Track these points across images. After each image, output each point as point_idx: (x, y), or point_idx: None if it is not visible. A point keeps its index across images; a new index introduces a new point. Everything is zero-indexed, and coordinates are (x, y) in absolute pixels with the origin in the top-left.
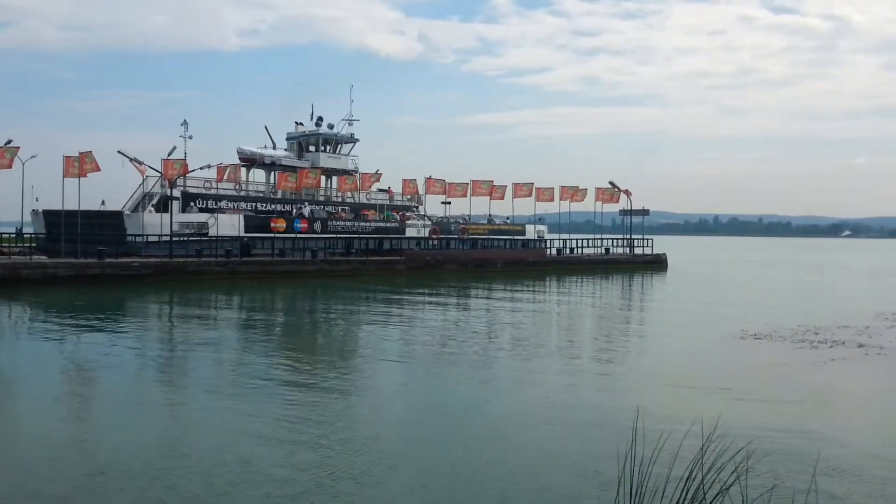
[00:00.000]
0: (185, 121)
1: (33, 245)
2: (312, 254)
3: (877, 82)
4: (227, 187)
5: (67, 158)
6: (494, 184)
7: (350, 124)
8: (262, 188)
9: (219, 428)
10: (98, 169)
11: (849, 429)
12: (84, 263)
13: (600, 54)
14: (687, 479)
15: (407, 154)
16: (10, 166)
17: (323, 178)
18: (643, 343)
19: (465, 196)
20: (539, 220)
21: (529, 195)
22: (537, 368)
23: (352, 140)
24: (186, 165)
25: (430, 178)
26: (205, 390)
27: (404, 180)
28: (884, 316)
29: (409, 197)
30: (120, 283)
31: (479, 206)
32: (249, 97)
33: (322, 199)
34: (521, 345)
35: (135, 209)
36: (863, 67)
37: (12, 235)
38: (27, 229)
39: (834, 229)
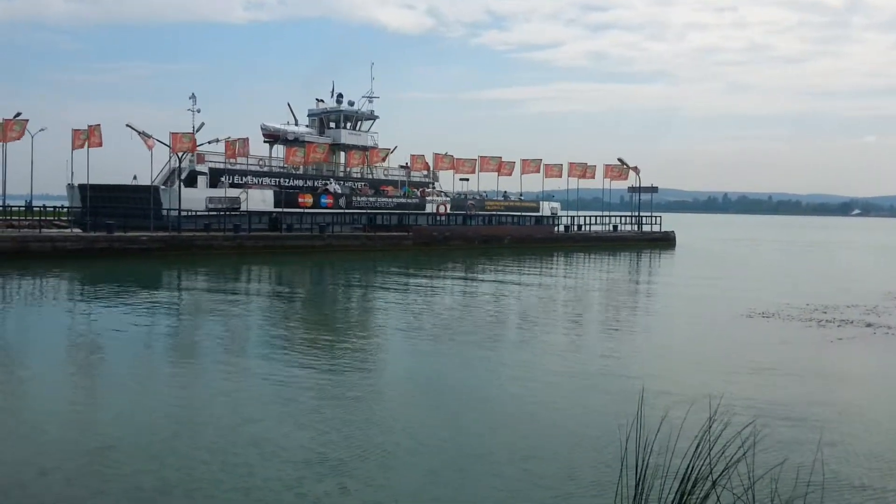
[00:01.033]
0: (192, 94)
1: (71, 218)
2: (320, 228)
3: (889, 60)
4: (251, 163)
5: (75, 131)
6: (503, 160)
7: (370, 101)
8: (283, 164)
9: (227, 405)
10: (100, 144)
11: (855, 407)
12: (93, 237)
13: (610, 30)
14: (693, 454)
15: (414, 129)
16: (19, 138)
17: (342, 154)
18: (650, 320)
19: (473, 172)
20: (551, 196)
21: (538, 171)
22: (543, 347)
23: (372, 117)
24: (195, 140)
25: (442, 154)
26: (212, 366)
27: (412, 156)
28: (893, 295)
29: (424, 173)
30: (128, 256)
31: (486, 183)
32: (256, 70)
33: (341, 174)
34: (527, 323)
35: (164, 184)
36: (875, 45)
37: (21, 208)
38: (62, 203)
39: (844, 208)
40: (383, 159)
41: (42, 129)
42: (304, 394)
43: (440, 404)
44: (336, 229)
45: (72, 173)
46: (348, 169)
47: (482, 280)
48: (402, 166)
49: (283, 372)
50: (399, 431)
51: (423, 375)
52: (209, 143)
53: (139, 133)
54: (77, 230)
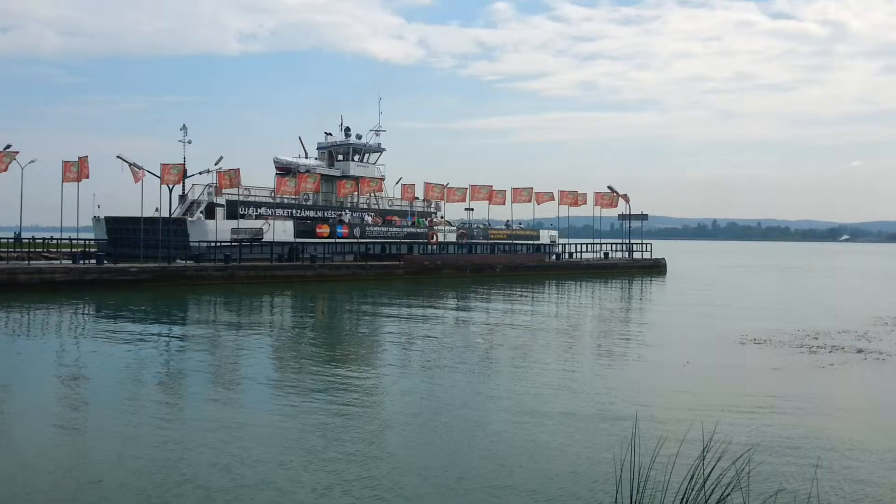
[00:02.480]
0: (184, 125)
1: (93, 249)
2: (311, 259)
3: (873, 87)
4: (264, 195)
5: (66, 163)
6: (493, 188)
7: (377, 134)
8: (294, 196)
9: (215, 438)
10: (87, 176)
11: (849, 435)
12: (83, 268)
13: (599, 59)
14: (687, 485)
15: (404, 158)
16: (5, 170)
17: (356, 185)
18: (642, 349)
19: (464, 200)
20: (541, 224)
21: (529, 200)
22: (535, 374)
23: (379, 150)
24: (184, 171)
25: (433, 183)
26: (202, 402)
27: (403, 185)
28: (883, 321)
29: (427, 203)
30: (118, 288)
31: (479, 211)
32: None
33: (349, 205)
34: (519, 352)
35: (183, 215)
36: (860, 72)
37: (10, 241)
38: (89, 235)
39: (832, 233)
40: (377, 189)
41: (32, 161)
42: (297, 428)
43: (437, 438)
44: (348, 258)
45: (97, 206)
46: (355, 199)
47: (474, 310)
48: (416, 198)
49: (274, 406)
50: (392, 463)
51: (418, 409)
52: (200, 173)
53: (129, 164)
54: (67, 261)
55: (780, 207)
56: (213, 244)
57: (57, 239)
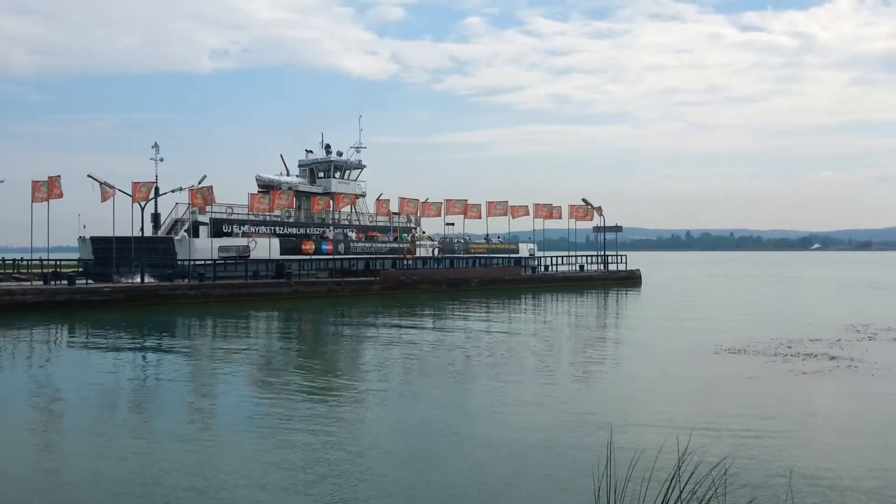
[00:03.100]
0: (155, 143)
1: (78, 270)
2: (287, 276)
3: (843, 98)
4: (243, 213)
5: (35, 183)
6: (468, 202)
7: (358, 151)
8: (277, 213)
9: (192, 460)
10: (61, 195)
11: (823, 443)
12: (54, 289)
13: (572, 73)
14: (664, 498)
15: (379, 173)
16: None
17: (330, 201)
18: (617, 361)
19: (440, 215)
20: (517, 238)
21: (504, 214)
22: (512, 389)
23: (360, 166)
24: (157, 188)
25: (408, 198)
26: (176, 420)
27: (378, 200)
28: (855, 328)
29: (407, 218)
30: (90, 308)
31: (470, 226)
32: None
33: (331, 222)
34: (496, 367)
35: (167, 234)
36: (829, 83)
37: None
38: (75, 255)
39: (804, 242)
40: (353, 202)
41: (2, 181)
42: (275, 449)
43: (418, 457)
44: (322, 275)
45: (83, 226)
46: (336, 216)
47: (450, 327)
48: (395, 213)
49: (251, 427)
50: (374, 483)
51: (397, 428)
52: (172, 191)
53: (101, 183)
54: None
55: (752, 218)
56: (202, 262)
57: (28, 260)
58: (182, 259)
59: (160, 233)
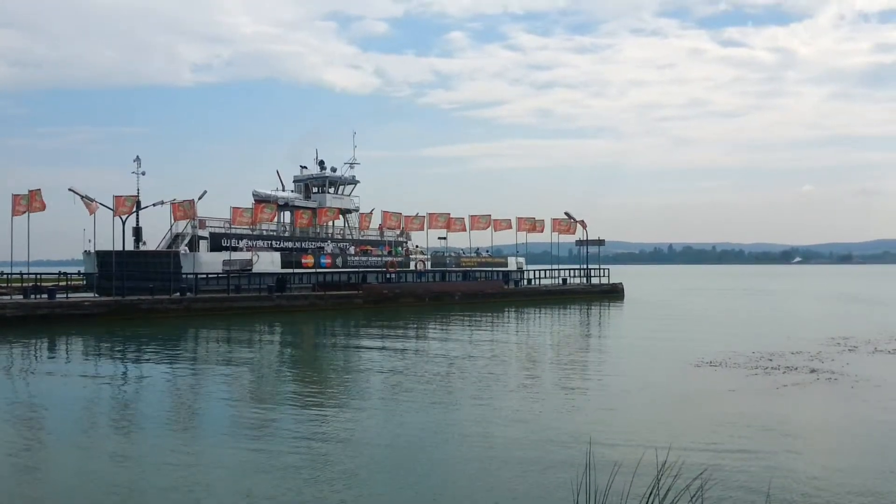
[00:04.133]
0: (137, 157)
1: (82, 282)
2: (269, 289)
3: (823, 113)
4: (242, 228)
5: (15, 196)
6: (451, 216)
7: (352, 167)
8: (272, 227)
9: (174, 476)
10: (43, 208)
11: (801, 455)
12: (34, 303)
13: (555, 87)
14: None
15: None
16: None
17: (319, 215)
18: (599, 374)
19: (422, 229)
20: (500, 252)
21: (487, 227)
22: (495, 406)
23: (353, 182)
24: (139, 202)
25: (390, 212)
26: (158, 439)
27: (361, 214)
28: (835, 341)
29: (397, 232)
30: (71, 322)
31: (457, 240)
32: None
33: (325, 236)
34: (478, 384)
35: (168, 248)
36: (809, 98)
37: None
38: (79, 269)
39: (785, 256)
40: (336, 217)
41: None
42: (257, 464)
43: (402, 472)
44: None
45: (88, 240)
46: (330, 230)
47: (433, 341)
48: (389, 228)
49: (233, 442)
50: (358, 498)
51: (381, 444)
52: (154, 205)
53: (82, 197)
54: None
55: (734, 231)
56: (206, 276)
57: (8, 273)
58: (186, 273)
59: (162, 247)
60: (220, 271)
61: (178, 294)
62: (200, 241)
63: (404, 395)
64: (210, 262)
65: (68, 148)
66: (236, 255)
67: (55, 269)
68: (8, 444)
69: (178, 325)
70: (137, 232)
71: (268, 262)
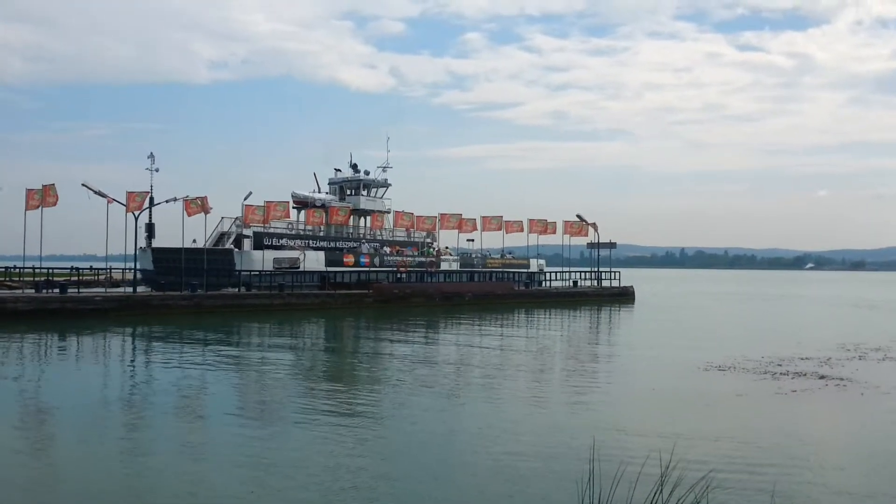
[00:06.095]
0: (151, 153)
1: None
2: (280, 287)
3: (839, 119)
4: (280, 226)
5: (29, 191)
6: (463, 217)
7: (384, 171)
8: (307, 227)
9: (184, 473)
10: (55, 203)
11: (808, 462)
12: (45, 298)
13: (570, 89)
14: None
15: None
16: None
17: (362, 217)
18: (608, 376)
19: (434, 229)
20: (511, 252)
21: (498, 228)
22: (504, 406)
23: (385, 185)
24: (152, 198)
25: (402, 212)
26: (170, 434)
27: (373, 214)
28: (845, 347)
29: (424, 234)
30: (82, 317)
31: (450, 240)
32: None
33: (356, 236)
34: (488, 383)
35: (215, 245)
36: (826, 104)
37: None
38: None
39: (798, 262)
40: (374, 219)
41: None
42: (267, 458)
43: (414, 471)
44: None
45: (146, 236)
46: (363, 232)
47: (444, 342)
48: (421, 231)
49: (242, 435)
50: (368, 496)
51: (391, 443)
52: (167, 201)
53: (95, 192)
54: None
55: (746, 236)
56: (259, 273)
57: (20, 268)
58: (242, 270)
59: (209, 245)
60: (272, 268)
61: (235, 290)
62: (244, 240)
63: (416, 398)
64: (261, 259)
65: (82, 143)
66: (285, 254)
67: (67, 265)
68: (18, 433)
69: (188, 322)
70: (150, 228)
71: (313, 260)
